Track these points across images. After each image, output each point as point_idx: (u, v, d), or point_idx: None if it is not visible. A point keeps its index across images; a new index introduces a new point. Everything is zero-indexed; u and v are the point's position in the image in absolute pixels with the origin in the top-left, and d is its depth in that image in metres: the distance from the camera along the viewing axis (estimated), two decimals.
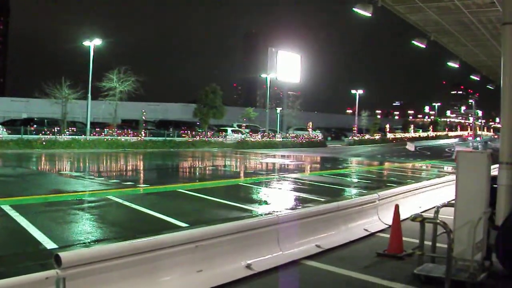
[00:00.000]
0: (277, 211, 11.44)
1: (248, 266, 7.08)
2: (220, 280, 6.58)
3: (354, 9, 13.74)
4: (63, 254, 5.01)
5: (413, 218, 7.28)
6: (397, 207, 8.88)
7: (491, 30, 15.10)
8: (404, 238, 8.61)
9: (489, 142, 62.27)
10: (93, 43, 41.55)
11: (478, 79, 24.04)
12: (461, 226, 6.94)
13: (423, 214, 8.69)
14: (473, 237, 6.73)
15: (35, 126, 38.22)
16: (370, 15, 13.69)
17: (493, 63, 20.45)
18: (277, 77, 64.15)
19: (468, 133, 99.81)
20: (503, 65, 7.44)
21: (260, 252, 7.49)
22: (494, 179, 7.26)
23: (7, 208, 11.37)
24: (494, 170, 7.52)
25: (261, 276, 7.03)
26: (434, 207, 9.48)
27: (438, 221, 7.09)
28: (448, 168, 30.94)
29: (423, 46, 16.81)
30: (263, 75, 65.22)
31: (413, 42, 16.75)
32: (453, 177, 15.92)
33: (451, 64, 20.67)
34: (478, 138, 70.46)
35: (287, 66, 66.05)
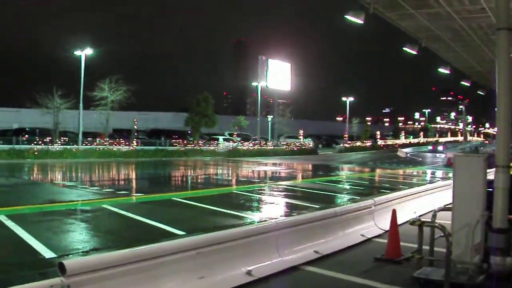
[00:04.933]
0: (272, 218, 11.48)
1: (249, 273, 7.11)
2: (221, 287, 6.61)
3: (346, 16, 13.75)
4: (67, 262, 5.03)
5: (412, 222, 7.35)
6: (394, 212, 8.95)
7: (481, 36, 15.23)
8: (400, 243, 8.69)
9: (481, 148, 62.85)
10: (84, 53, 41.48)
11: (469, 85, 24.15)
12: (459, 229, 7.01)
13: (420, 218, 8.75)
14: (471, 240, 6.80)
15: (26, 136, 38.15)
16: (362, 22, 13.69)
17: (483, 69, 20.59)
18: (268, 85, 64.44)
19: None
20: (497, 70, 7.50)
21: (260, 258, 7.52)
22: (489, 183, 7.34)
23: (3, 218, 11.33)
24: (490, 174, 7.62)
25: (261, 282, 7.06)
26: (428, 212, 9.54)
27: (437, 224, 7.15)
28: (439, 173, 31.11)
29: (414, 52, 16.87)
30: (254, 83, 65.50)
31: (405, 48, 16.82)
32: (445, 182, 16.14)
33: (441, 70, 20.75)
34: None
35: (277, 74, 66.43)
